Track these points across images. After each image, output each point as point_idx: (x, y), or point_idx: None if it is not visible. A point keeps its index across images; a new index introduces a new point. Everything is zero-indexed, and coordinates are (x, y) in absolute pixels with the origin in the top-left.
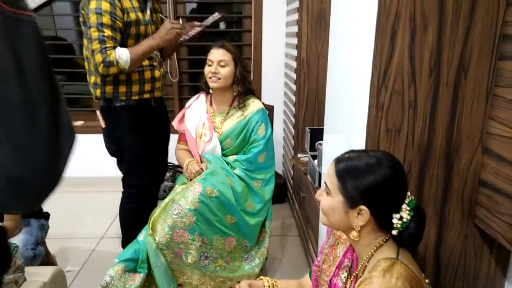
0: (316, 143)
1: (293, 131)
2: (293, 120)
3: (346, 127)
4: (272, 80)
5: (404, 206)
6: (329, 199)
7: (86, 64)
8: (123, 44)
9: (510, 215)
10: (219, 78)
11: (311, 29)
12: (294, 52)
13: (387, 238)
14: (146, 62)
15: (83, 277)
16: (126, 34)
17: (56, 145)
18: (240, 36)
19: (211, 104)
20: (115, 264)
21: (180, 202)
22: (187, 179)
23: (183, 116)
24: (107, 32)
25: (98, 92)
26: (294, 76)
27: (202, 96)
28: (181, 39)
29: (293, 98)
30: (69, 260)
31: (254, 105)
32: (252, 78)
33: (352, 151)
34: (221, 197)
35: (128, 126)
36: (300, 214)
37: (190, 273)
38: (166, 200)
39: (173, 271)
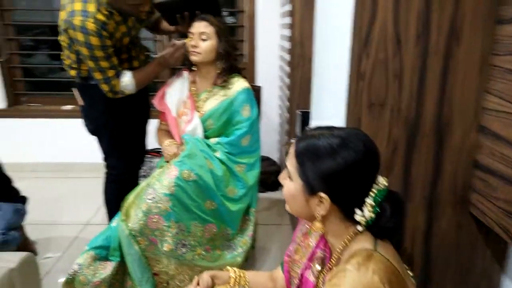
0: (306, 127)
1: (287, 116)
2: (288, 104)
3: (330, 104)
4: (267, 63)
5: (369, 201)
6: (290, 184)
7: (65, 51)
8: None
9: (505, 200)
10: (199, 52)
11: (305, 6)
12: (289, 33)
13: None
14: (124, 55)
15: (62, 263)
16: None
17: None
18: (234, 17)
19: (193, 82)
20: (85, 252)
21: (154, 186)
22: (166, 161)
23: (163, 94)
24: (104, 64)
25: (73, 72)
26: (288, 58)
27: (184, 73)
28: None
29: (288, 81)
30: (50, 246)
31: (238, 84)
32: (244, 60)
33: (317, 128)
34: (199, 181)
35: (103, 105)
36: None
37: (167, 262)
38: (142, 184)
39: (148, 259)
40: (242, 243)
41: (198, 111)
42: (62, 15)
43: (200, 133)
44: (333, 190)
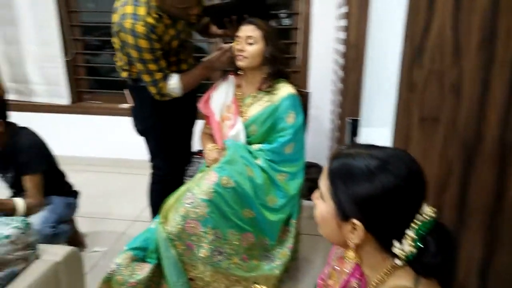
0: (354, 138)
1: (338, 122)
2: (339, 110)
3: (379, 114)
4: (320, 66)
5: (410, 233)
6: (322, 205)
7: (118, 53)
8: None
9: None
10: (246, 57)
11: (361, 8)
12: (344, 36)
13: None
14: (173, 58)
15: (108, 259)
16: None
17: None
18: (290, 19)
19: (239, 86)
20: (123, 252)
21: (193, 191)
22: (207, 166)
23: (209, 97)
24: (152, 66)
25: (125, 74)
26: (342, 61)
27: (230, 78)
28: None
29: (340, 86)
30: (99, 240)
31: (284, 89)
32: (297, 63)
33: (354, 146)
34: (238, 189)
35: (152, 106)
36: None
37: (203, 268)
38: (183, 188)
39: (184, 264)
40: (281, 255)
41: (242, 116)
42: (115, 18)
43: (242, 138)
44: (368, 217)
